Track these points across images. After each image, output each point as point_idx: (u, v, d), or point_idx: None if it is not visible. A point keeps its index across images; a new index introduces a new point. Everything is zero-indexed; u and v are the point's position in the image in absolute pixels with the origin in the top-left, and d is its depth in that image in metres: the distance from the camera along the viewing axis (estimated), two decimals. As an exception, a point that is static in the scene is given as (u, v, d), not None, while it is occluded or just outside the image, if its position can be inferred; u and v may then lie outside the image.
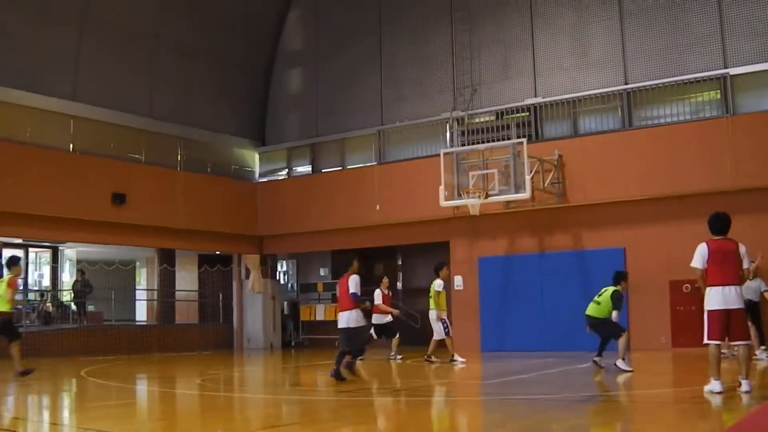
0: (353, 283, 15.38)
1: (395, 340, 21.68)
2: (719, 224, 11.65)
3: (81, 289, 29.66)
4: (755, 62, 22.60)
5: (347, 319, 15.40)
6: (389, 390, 14.65)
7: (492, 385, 15.89)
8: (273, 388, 16.64)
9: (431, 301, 20.41)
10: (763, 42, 22.63)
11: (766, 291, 19.25)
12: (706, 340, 11.51)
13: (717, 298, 11.40)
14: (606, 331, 16.68)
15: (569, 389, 14.11)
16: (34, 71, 25.73)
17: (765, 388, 12.67)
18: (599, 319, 16.57)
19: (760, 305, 19.39)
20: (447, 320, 20.43)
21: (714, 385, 11.33)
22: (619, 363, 16.01)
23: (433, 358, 20.14)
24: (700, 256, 11.57)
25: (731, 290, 11.36)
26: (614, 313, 16.28)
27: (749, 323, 17.99)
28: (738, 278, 11.46)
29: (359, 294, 15.36)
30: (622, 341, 16.28)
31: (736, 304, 11.35)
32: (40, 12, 25.85)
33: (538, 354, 19.89)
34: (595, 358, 16.76)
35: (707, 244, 11.59)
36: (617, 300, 16.36)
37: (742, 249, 11.55)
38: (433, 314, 20.38)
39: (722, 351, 12.51)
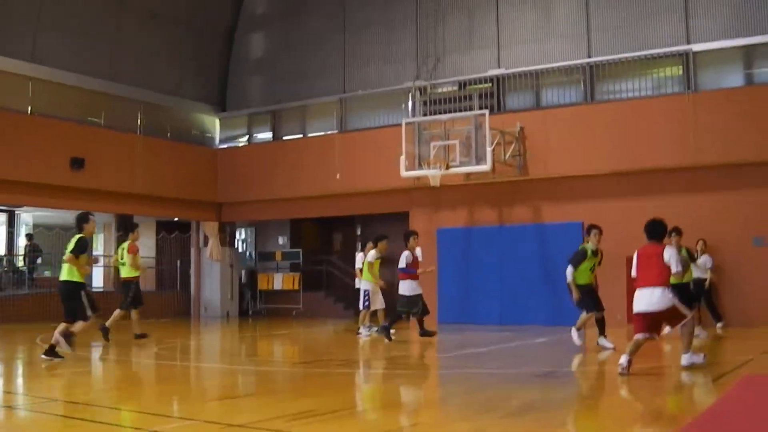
0: (402, 258, 18.14)
1: (362, 313, 20.99)
2: (648, 230, 12.08)
3: (29, 254, 29.37)
4: (718, 39, 22.69)
5: (402, 288, 18.06)
6: (345, 362, 14.62)
7: (449, 358, 15.91)
8: (229, 358, 16.58)
9: (363, 272, 20.24)
10: (726, 20, 22.73)
11: (710, 268, 19.45)
12: (634, 334, 11.67)
13: (639, 301, 11.62)
14: (577, 302, 15.39)
15: (527, 364, 14.16)
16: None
17: (723, 365, 12.82)
18: (567, 284, 15.36)
19: (712, 284, 19.64)
20: (369, 292, 20.15)
21: (622, 359, 11.39)
22: (573, 332, 15.53)
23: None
24: (633, 265, 12.06)
25: (653, 292, 11.51)
26: (568, 269, 15.17)
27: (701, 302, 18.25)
28: (661, 280, 11.55)
29: (406, 267, 17.97)
30: (584, 315, 15.41)
31: (659, 305, 11.46)
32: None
33: (495, 327, 20.00)
34: (599, 341, 15.43)
35: (636, 252, 12.07)
36: (573, 254, 15.31)
37: (668, 252, 11.68)
38: (366, 285, 20.23)
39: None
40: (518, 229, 24.34)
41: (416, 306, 18.02)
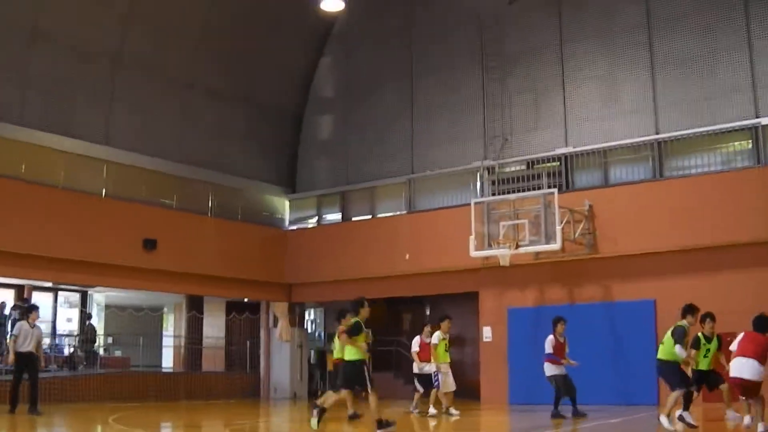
0: (547, 343, 19.14)
1: (433, 393, 20.35)
2: (755, 323, 13.68)
3: (86, 334, 29.56)
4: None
5: (546, 370, 19.32)
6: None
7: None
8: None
9: (434, 353, 20.18)
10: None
11: None
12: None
13: (735, 368, 13.45)
14: (666, 379, 15.37)
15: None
16: (68, 115, 26.04)
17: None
18: (662, 360, 15.24)
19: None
20: (439, 373, 20.15)
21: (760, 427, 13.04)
22: (663, 420, 14.64)
23: (452, 411, 19.92)
24: (735, 342, 13.86)
25: (747, 361, 13.29)
26: (677, 347, 14.82)
27: None
28: (756, 355, 13.27)
29: (549, 352, 19.08)
30: (673, 396, 14.88)
31: (748, 374, 13.22)
32: (75, 57, 26.21)
33: (567, 407, 19.64)
34: (682, 413, 15.07)
35: (743, 333, 13.81)
36: (678, 334, 15.02)
37: None
38: (437, 366, 20.19)
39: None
40: (588, 308, 23.99)
41: (556, 387, 19.11)
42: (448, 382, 20.17)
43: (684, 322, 15.28)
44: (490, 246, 23.79)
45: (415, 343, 20.68)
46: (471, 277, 26.40)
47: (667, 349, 15.13)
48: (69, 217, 24.74)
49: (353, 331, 14.84)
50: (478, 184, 27.11)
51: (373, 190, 30.51)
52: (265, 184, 32.16)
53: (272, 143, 32.58)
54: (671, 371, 15.18)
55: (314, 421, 14.35)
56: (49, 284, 29.30)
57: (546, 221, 23.05)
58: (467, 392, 25.69)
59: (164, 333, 35.69)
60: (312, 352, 32.93)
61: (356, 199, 31.08)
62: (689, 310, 15.47)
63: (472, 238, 23.83)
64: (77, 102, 26.44)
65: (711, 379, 16.20)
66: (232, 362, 32.93)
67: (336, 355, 18.73)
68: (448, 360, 20.32)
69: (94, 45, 26.84)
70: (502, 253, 23.52)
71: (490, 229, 23.92)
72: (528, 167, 26.49)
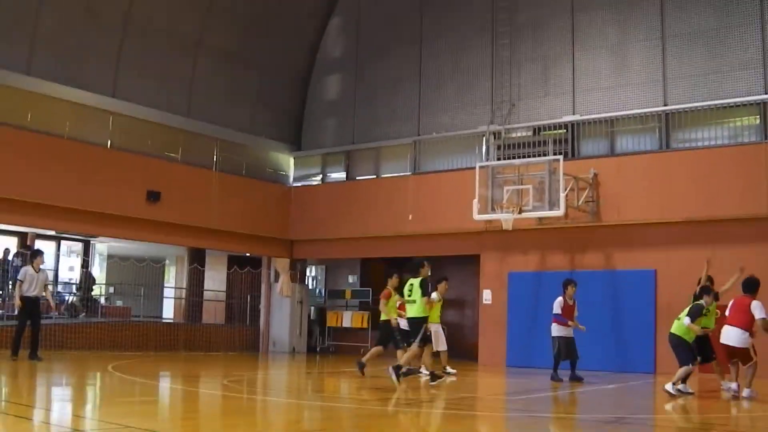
0: (555, 304, 19.60)
1: (426, 352, 20.91)
2: (744, 285, 15.19)
3: (84, 282, 29.64)
4: (796, 89, 22.50)
5: (553, 330, 19.68)
6: (412, 401, 14.59)
7: (517, 401, 15.80)
8: (296, 393, 16.65)
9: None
10: (806, 70, 22.51)
11: None
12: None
13: (726, 336, 14.96)
14: (678, 354, 15.76)
15: (596, 409, 14.01)
16: (76, 67, 26.03)
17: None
18: (675, 335, 15.73)
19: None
20: (430, 333, 20.34)
21: (732, 385, 15.17)
22: (668, 386, 15.22)
23: (449, 369, 20.06)
24: (728, 307, 15.26)
25: (737, 330, 14.82)
26: (686, 319, 15.41)
27: None
28: (745, 324, 14.74)
29: (558, 313, 19.50)
30: (682, 370, 15.41)
31: (738, 343, 14.85)
32: (85, 9, 26.14)
33: (564, 372, 19.80)
34: (679, 387, 15.67)
35: (733, 299, 15.27)
36: (694, 310, 15.55)
37: (755, 304, 14.66)
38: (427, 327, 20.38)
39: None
40: (589, 275, 24.01)
41: (557, 348, 19.44)
42: (439, 342, 20.28)
43: (701, 302, 15.88)
44: (493, 210, 23.84)
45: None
46: (473, 240, 26.50)
47: (681, 324, 15.65)
48: (74, 167, 24.79)
49: (425, 290, 16.38)
50: (484, 148, 27.10)
51: (379, 150, 30.52)
52: (270, 141, 32.19)
53: (279, 101, 32.56)
54: (682, 348, 15.68)
55: (394, 377, 15.99)
56: (52, 233, 29.42)
57: (550, 188, 23.08)
58: (465, 353, 25.94)
59: (165, 284, 35.86)
60: (312, 309, 33.10)
61: (361, 158, 31.09)
62: (705, 290, 16.21)
63: (475, 201, 23.87)
64: (86, 53, 26.43)
65: (705, 353, 16.44)
66: (232, 315, 33.13)
67: (384, 316, 19.29)
68: (439, 320, 20.43)
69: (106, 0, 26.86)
70: (505, 218, 23.56)
71: (494, 193, 23.95)
72: (534, 133, 26.47)
